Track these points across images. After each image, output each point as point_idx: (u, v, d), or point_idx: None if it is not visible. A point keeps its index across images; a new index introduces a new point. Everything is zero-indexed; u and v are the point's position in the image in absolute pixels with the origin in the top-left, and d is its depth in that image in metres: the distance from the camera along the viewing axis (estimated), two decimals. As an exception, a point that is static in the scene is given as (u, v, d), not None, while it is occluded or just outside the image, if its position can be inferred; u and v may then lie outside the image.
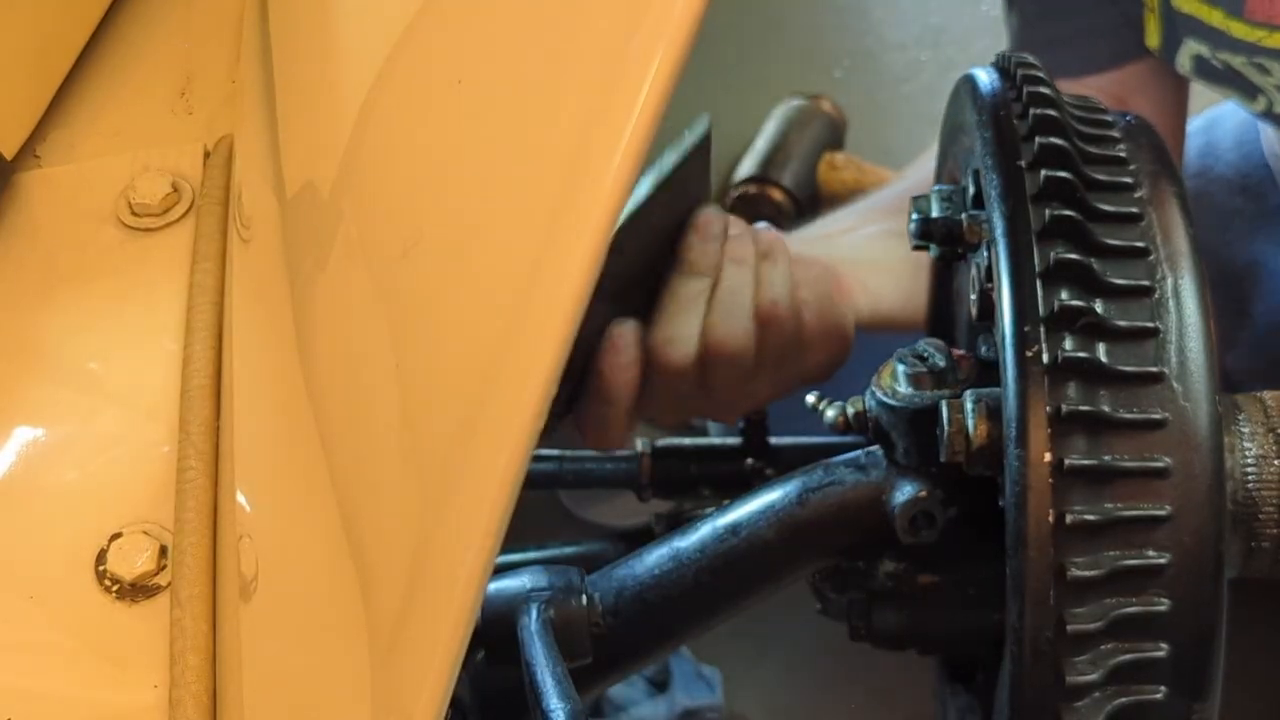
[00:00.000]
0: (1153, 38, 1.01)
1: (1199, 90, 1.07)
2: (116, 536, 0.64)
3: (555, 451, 0.93)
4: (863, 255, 0.96)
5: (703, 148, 0.83)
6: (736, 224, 0.87)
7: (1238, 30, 0.94)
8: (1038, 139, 0.64)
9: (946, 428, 0.64)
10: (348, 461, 0.58)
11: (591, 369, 0.82)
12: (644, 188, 0.80)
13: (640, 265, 0.84)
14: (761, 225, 0.90)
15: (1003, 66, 0.70)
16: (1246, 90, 0.98)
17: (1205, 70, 0.99)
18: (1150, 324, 0.60)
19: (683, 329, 0.83)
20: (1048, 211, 0.62)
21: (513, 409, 0.46)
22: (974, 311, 0.69)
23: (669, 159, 0.81)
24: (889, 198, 1.06)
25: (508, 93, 0.52)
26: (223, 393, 0.68)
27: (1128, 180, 0.64)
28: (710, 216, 0.85)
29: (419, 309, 0.55)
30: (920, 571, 0.73)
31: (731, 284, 0.84)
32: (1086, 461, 0.58)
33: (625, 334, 0.82)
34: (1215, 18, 0.94)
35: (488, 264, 0.51)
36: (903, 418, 0.69)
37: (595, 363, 0.82)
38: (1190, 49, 0.98)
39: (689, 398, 0.86)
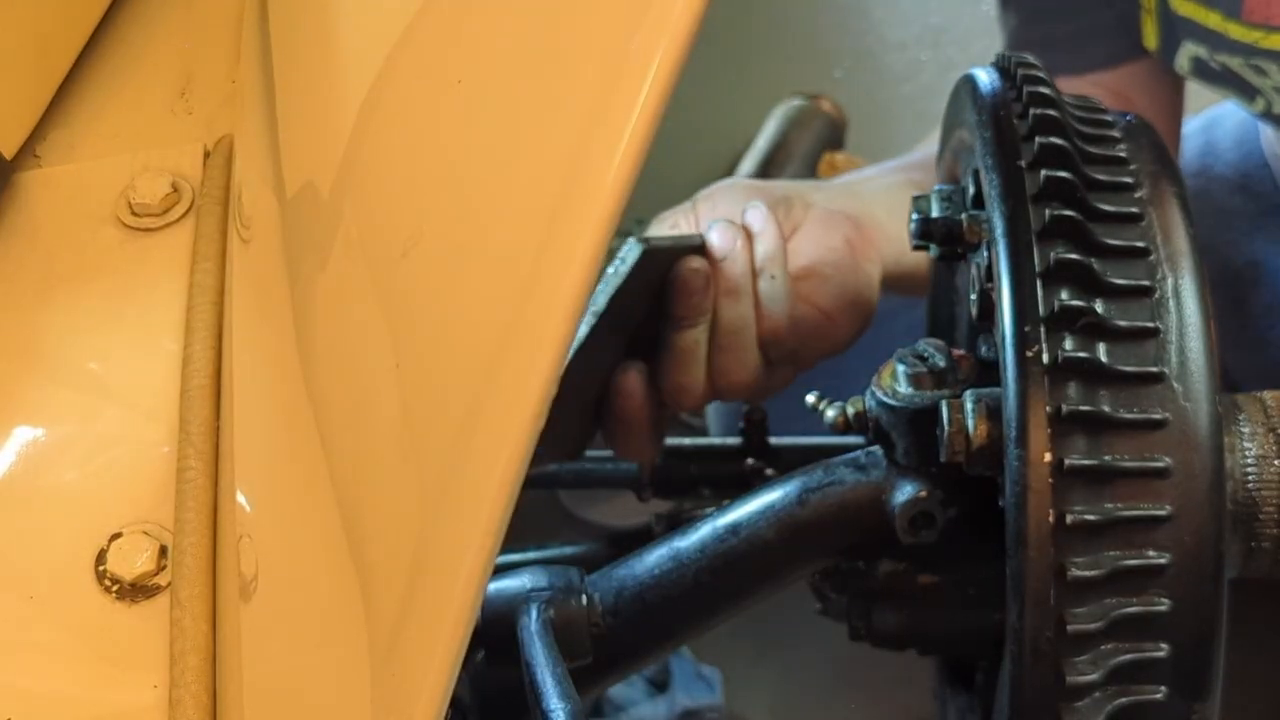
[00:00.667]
0: (1150, 39, 1.01)
1: (1198, 90, 1.07)
2: (116, 536, 0.64)
3: (555, 452, 0.93)
4: (888, 204, 0.94)
5: (645, 264, 0.81)
6: (724, 234, 0.85)
7: (1235, 32, 0.94)
8: (1038, 139, 0.64)
9: (946, 428, 0.64)
10: (348, 461, 0.58)
11: (608, 414, 0.85)
12: (583, 328, 0.80)
13: (634, 321, 0.84)
14: (756, 214, 0.87)
15: (1003, 66, 0.70)
16: (1245, 91, 0.98)
17: (1203, 71, 0.99)
18: (1150, 324, 0.60)
19: (689, 378, 0.84)
20: (1048, 211, 0.62)
21: (513, 409, 0.46)
22: (974, 311, 0.69)
23: (601, 294, 0.81)
24: (915, 157, 1.05)
25: (507, 93, 0.52)
26: (223, 393, 0.68)
27: (1128, 180, 0.64)
28: (687, 275, 0.83)
29: (419, 309, 0.55)
30: (920, 571, 0.73)
31: (730, 322, 0.84)
32: (1086, 461, 0.58)
33: (631, 381, 0.84)
34: (1213, 19, 0.94)
35: (488, 264, 0.51)
36: (903, 418, 0.69)
37: (610, 408, 0.85)
38: (1188, 50, 0.98)
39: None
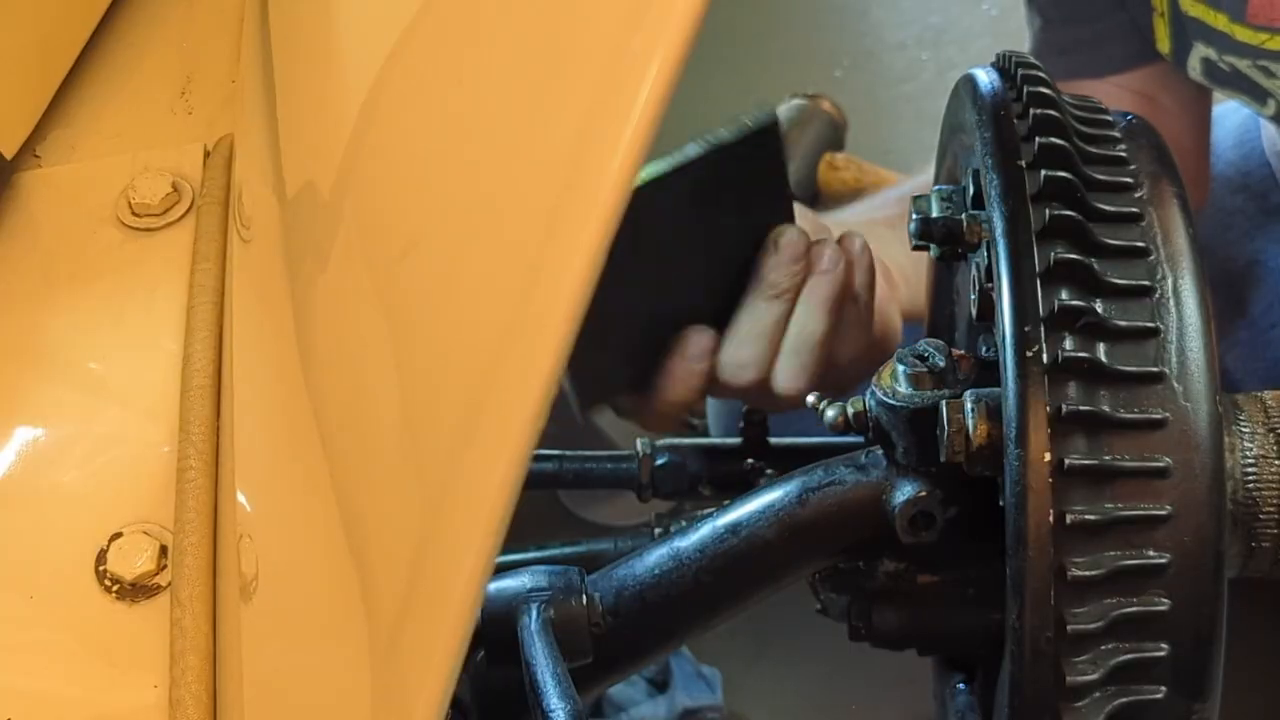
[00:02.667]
0: (1163, 43, 1.01)
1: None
2: (116, 536, 0.64)
3: (555, 451, 0.93)
4: (907, 251, 0.95)
5: (769, 145, 0.80)
6: (830, 253, 0.84)
7: (1241, 34, 0.94)
8: (1038, 139, 0.64)
9: (946, 428, 0.64)
10: (348, 461, 0.58)
11: (662, 367, 0.84)
12: (692, 150, 0.77)
13: (716, 269, 0.83)
14: (857, 244, 0.86)
15: (1003, 66, 0.70)
16: (1255, 94, 0.98)
17: (1214, 73, 0.99)
18: (1150, 324, 0.60)
19: (751, 356, 0.83)
20: (1048, 211, 0.62)
21: (513, 409, 0.46)
22: (974, 311, 0.69)
23: (722, 134, 0.78)
24: (912, 185, 1.06)
25: (507, 93, 0.52)
26: (223, 393, 0.68)
27: (1128, 180, 0.64)
28: (794, 239, 0.82)
29: (419, 309, 0.55)
30: (920, 571, 0.73)
31: (805, 325, 0.83)
32: (1086, 461, 0.58)
33: (700, 343, 0.84)
34: (1220, 21, 0.94)
35: (488, 264, 0.51)
36: (903, 418, 0.69)
37: (666, 363, 0.84)
38: (1199, 52, 0.98)
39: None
